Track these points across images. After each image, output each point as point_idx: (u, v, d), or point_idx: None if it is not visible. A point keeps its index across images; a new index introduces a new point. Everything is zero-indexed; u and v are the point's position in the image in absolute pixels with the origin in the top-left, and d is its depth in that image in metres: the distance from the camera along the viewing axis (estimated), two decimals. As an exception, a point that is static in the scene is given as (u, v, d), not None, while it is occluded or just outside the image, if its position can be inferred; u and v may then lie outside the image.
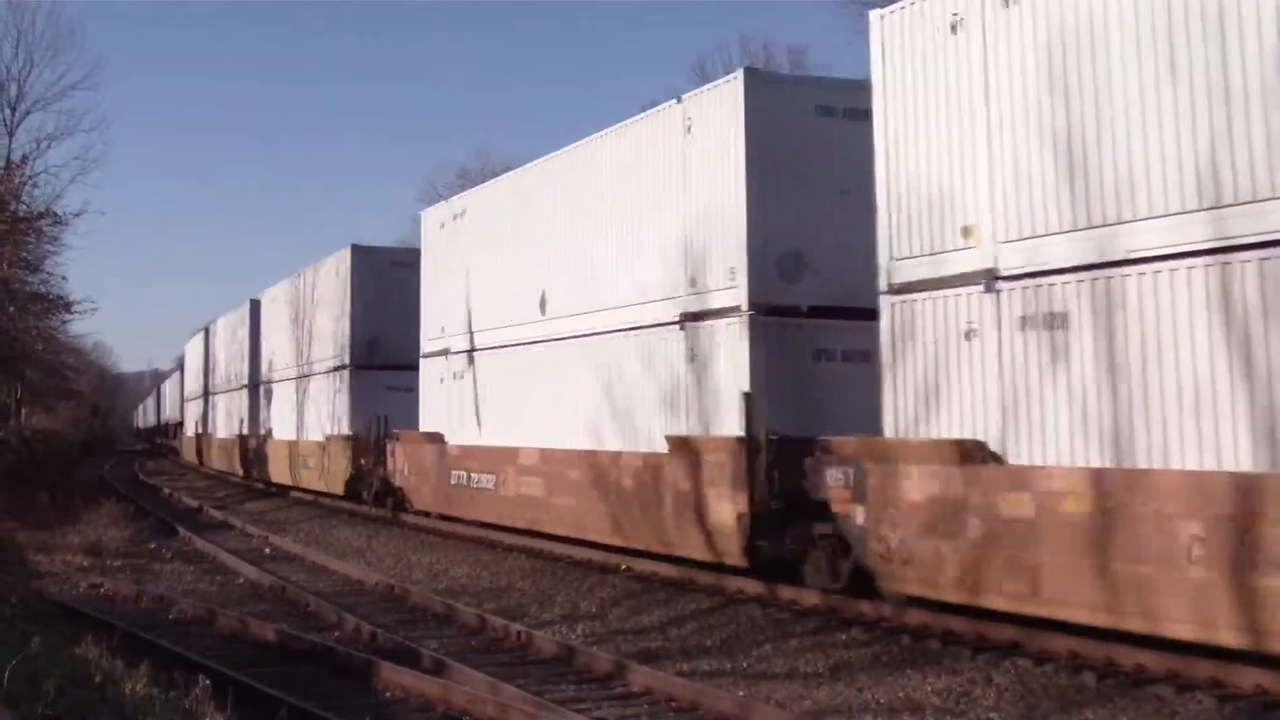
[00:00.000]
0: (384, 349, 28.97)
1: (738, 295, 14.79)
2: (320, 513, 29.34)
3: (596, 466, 17.39)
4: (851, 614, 12.93)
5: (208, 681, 9.07)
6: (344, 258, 30.54)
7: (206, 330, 54.45)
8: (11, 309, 35.80)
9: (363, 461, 27.72)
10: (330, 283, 31.60)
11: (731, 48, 69.56)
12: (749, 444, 13.97)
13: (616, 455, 16.95)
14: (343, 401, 29.73)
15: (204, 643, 12.81)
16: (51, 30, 49.81)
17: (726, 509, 14.37)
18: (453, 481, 22.55)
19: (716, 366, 15.10)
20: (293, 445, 34.45)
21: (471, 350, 22.56)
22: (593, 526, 17.58)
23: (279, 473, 35.99)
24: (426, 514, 24.31)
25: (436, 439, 23.68)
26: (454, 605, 14.37)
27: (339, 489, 29.07)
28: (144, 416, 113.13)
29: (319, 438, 31.48)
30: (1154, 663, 10.09)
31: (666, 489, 15.54)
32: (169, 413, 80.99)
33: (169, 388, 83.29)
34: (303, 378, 34.15)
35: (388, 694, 10.31)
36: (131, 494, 36.79)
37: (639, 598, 14.91)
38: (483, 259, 22.42)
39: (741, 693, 9.95)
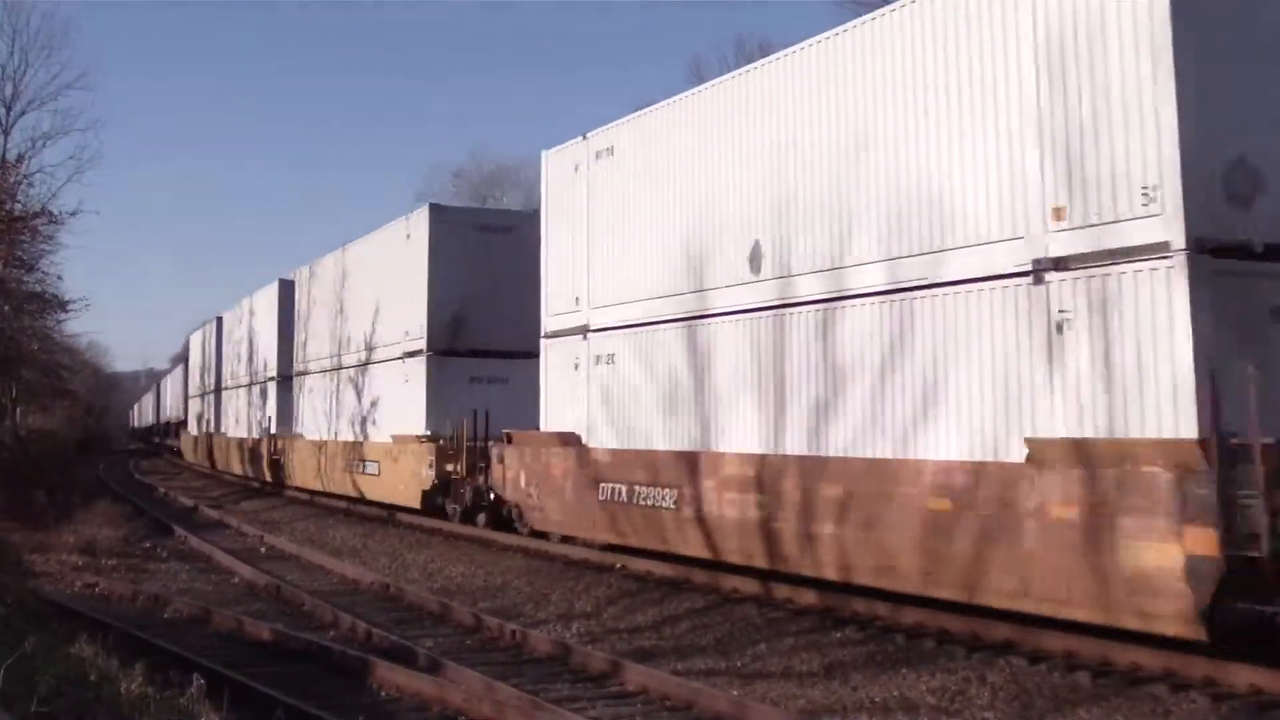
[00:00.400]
0: (469, 331, 24.17)
1: (1162, 227, 9.91)
2: (316, 512, 29.30)
3: (874, 479, 12.43)
4: (846, 613, 12.93)
5: (203, 681, 9.08)
6: (418, 220, 25.13)
7: (218, 320, 49.39)
8: (7, 308, 35.82)
9: (450, 469, 22.78)
10: (397, 253, 26.13)
11: (727, 48, 69.71)
12: (1222, 451, 9.28)
13: (917, 466, 11.97)
14: (416, 395, 24.43)
15: (200, 642, 12.81)
16: (47, 29, 49.82)
17: (1165, 550, 9.55)
18: (601, 497, 17.16)
19: (1118, 333, 10.23)
20: (341, 448, 29.06)
21: (628, 326, 17.29)
22: (870, 565, 12.52)
23: (321, 479, 30.83)
24: (542, 535, 19.55)
25: (571, 441, 18.23)
26: (449, 604, 14.36)
27: (414, 501, 24.11)
28: (140, 415, 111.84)
29: (382, 439, 26.21)
30: (1149, 661, 10.10)
31: (1024, 517, 10.73)
32: (171, 411, 75.87)
33: (171, 384, 78.35)
34: (358, 367, 28.54)
35: (383, 693, 10.31)
36: (127, 493, 36.77)
37: (634, 596, 14.91)
38: (646, 206, 17.08)
39: (736, 692, 9.95)
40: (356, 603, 15.28)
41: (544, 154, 20.17)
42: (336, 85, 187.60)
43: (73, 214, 35.44)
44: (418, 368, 24.51)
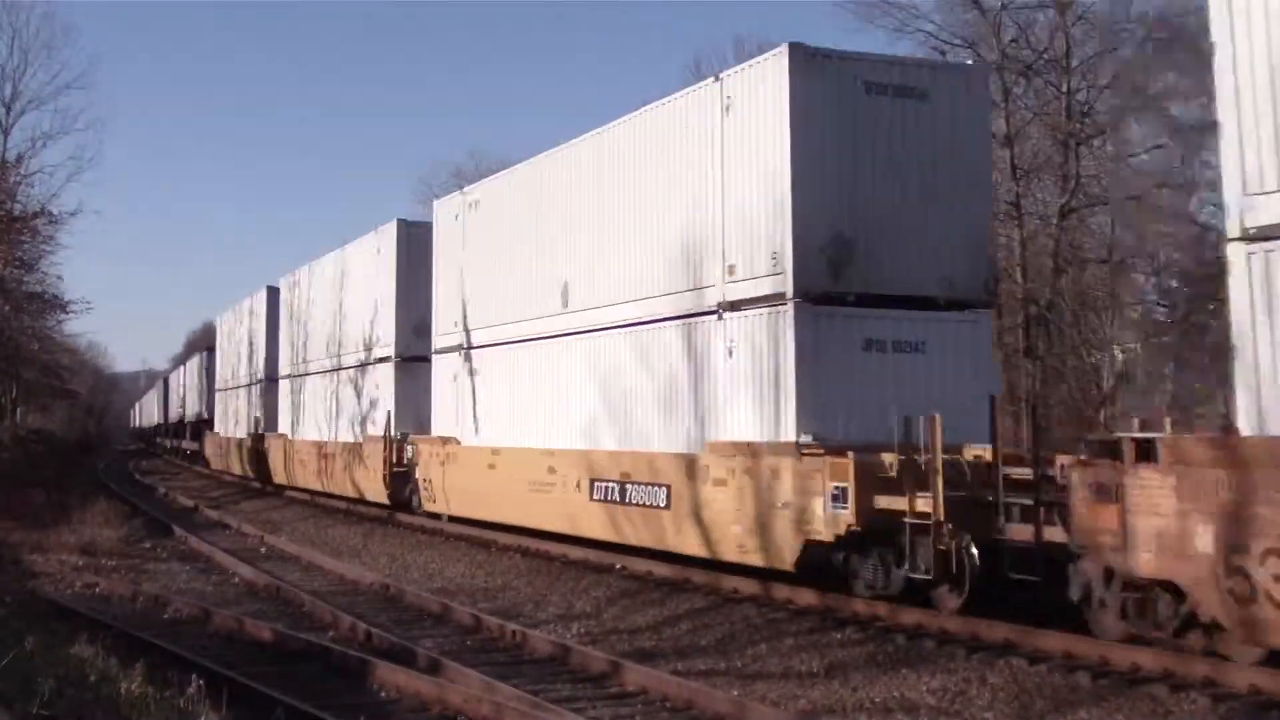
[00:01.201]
0: (860, 264, 14.40)
1: None
2: (315, 512, 29.29)
3: None
4: (846, 613, 12.92)
5: (202, 681, 9.08)
6: (760, 75, 14.73)
7: (271, 290, 39.20)
8: (7, 308, 35.89)
9: (895, 507, 12.49)
10: (699, 137, 15.80)
11: (726, 48, 69.57)
12: None
13: None
14: (765, 374, 14.40)
15: (199, 642, 12.80)
16: (47, 29, 49.81)
17: None
18: None
19: None
20: (568, 462, 18.39)
21: None
22: None
23: (500, 504, 20.60)
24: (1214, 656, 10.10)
25: None
26: (449, 605, 14.36)
27: (779, 558, 13.81)
28: (142, 415, 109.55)
29: (669, 445, 16.07)
30: (1149, 662, 10.11)
31: None
32: (186, 407, 65.86)
33: (186, 376, 67.65)
34: (607, 330, 17.92)
35: (383, 693, 10.30)
36: (127, 494, 36.75)
37: (634, 597, 14.90)
38: None
39: (736, 692, 9.95)
40: (356, 603, 15.27)
41: None
42: (334, 85, 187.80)
43: (72, 214, 35.71)
44: (772, 326, 14.44)
